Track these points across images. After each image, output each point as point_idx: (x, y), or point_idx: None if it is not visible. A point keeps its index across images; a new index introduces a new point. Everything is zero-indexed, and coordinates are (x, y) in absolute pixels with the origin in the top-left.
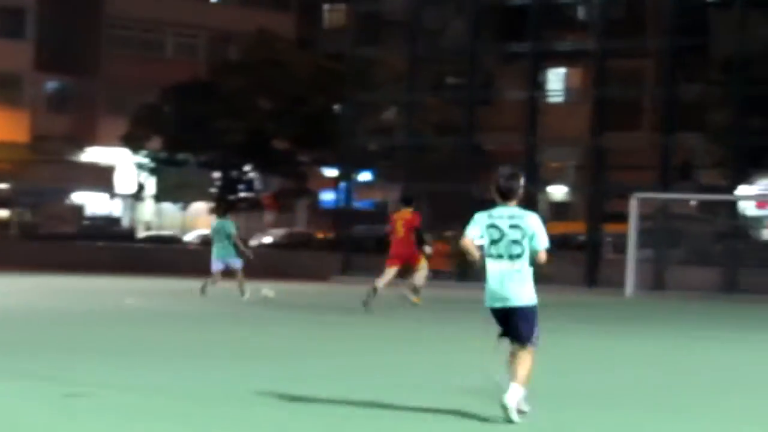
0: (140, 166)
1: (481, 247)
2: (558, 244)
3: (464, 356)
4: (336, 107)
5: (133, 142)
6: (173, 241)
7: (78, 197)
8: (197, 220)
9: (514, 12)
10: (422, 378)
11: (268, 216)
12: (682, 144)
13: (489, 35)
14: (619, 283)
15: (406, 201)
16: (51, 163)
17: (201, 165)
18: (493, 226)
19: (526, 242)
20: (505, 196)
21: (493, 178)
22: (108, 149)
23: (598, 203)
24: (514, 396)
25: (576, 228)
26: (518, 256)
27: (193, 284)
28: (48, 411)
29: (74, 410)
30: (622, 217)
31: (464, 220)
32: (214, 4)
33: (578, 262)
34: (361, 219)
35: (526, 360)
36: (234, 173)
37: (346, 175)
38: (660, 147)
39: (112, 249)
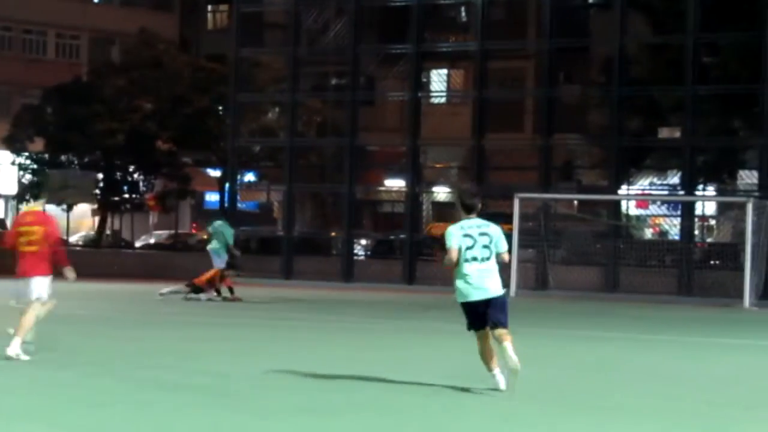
0: (22, 168)
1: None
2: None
3: None
4: (219, 108)
5: (14, 143)
6: None
7: None
8: (81, 222)
9: (396, 13)
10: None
11: (153, 217)
12: (562, 144)
13: (371, 36)
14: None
15: None
16: None
17: (84, 166)
18: (467, 235)
19: (492, 246)
20: (470, 211)
21: (458, 196)
22: None
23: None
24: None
25: None
26: (488, 258)
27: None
28: None
29: None
30: (504, 218)
31: (347, 221)
32: (96, 4)
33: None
34: (245, 220)
35: (507, 336)
36: (117, 175)
37: (230, 176)
38: (541, 148)
39: None
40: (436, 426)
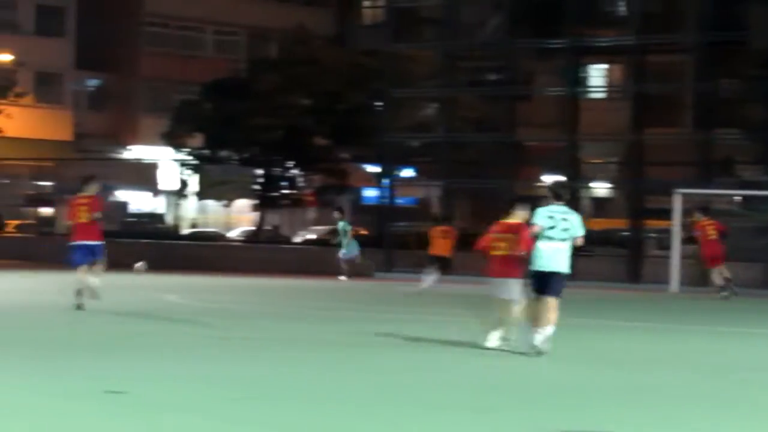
0: (182, 164)
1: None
2: (600, 240)
3: None
4: (375, 104)
5: (173, 139)
6: (216, 238)
7: (121, 195)
8: (240, 217)
9: (553, 7)
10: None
11: (310, 213)
12: (721, 139)
13: (527, 30)
14: (662, 280)
15: None
16: (93, 161)
17: (242, 162)
18: (551, 217)
19: (571, 231)
20: (558, 198)
21: (551, 186)
22: (149, 147)
23: (639, 199)
24: (546, 335)
25: (617, 224)
26: (564, 239)
27: (236, 281)
28: (90, 408)
29: (113, 406)
30: (663, 214)
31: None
32: (253, 1)
33: (620, 258)
34: (403, 216)
35: (555, 307)
36: (275, 170)
37: (387, 172)
38: (700, 142)
39: (156, 246)
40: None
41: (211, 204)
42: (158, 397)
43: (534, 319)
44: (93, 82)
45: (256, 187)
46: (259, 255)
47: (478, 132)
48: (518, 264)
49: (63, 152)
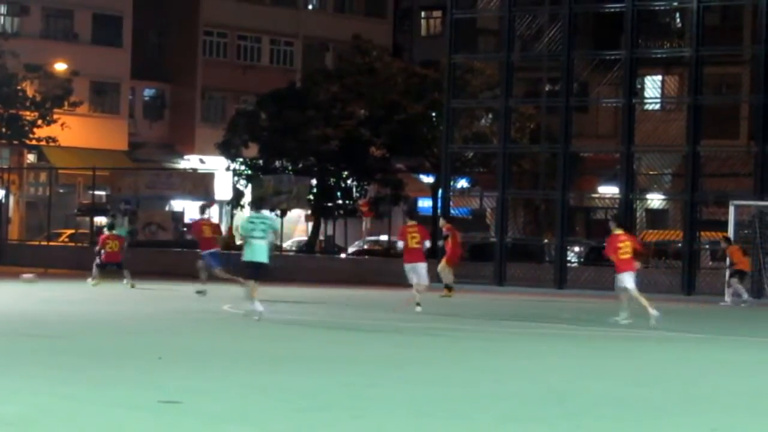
0: (237, 174)
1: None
2: (655, 252)
3: None
4: (432, 115)
5: (229, 149)
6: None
7: (176, 204)
8: (295, 227)
9: (610, 18)
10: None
11: (365, 223)
12: None
13: (584, 42)
14: (717, 292)
15: None
16: (148, 170)
17: (298, 172)
18: None
19: None
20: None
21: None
22: (205, 156)
23: (694, 211)
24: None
25: (673, 236)
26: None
27: (291, 291)
28: (143, 418)
29: (168, 416)
30: (718, 225)
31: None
32: (309, 11)
33: (675, 270)
34: (457, 226)
35: None
36: (331, 180)
37: (443, 182)
38: (756, 154)
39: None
40: None
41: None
42: (213, 408)
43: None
44: (149, 92)
45: (311, 197)
46: (313, 264)
47: (535, 143)
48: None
49: (118, 162)
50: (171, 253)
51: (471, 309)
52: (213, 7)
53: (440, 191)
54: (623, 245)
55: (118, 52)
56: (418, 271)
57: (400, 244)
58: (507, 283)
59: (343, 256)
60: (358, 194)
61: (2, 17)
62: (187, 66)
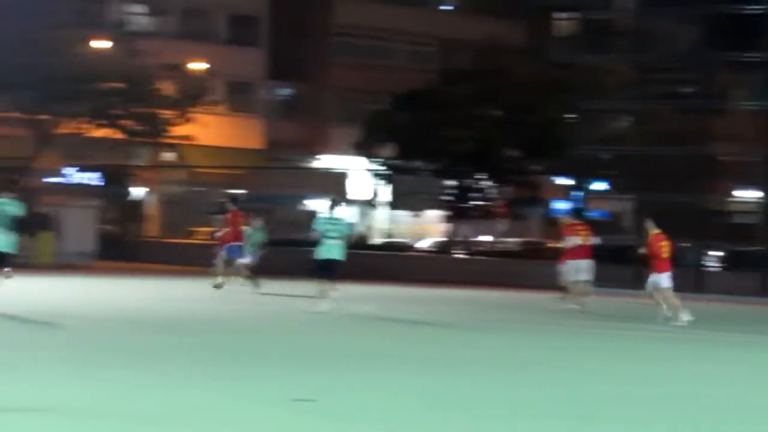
0: (374, 174)
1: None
2: None
3: None
4: (567, 116)
5: (365, 149)
6: (407, 248)
7: (311, 204)
8: (431, 227)
9: (749, 20)
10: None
11: (501, 225)
12: None
13: (721, 43)
14: None
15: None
16: (284, 170)
17: (434, 173)
18: None
19: None
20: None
21: None
22: (340, 156)
23: None
24: None
25: None
26: None
27: (422, 292)
28: (278, 415)
29: (302, 414)
30: None
31: (697, 231)
32: (444, 12)
33: None
34: (594, 229)
35: None
36: (466, 181)
37: (579, 184)
38: None
39: (346, 256)
40: None
41: (401, 214)
42: (345, 406)
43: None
44: (284, 92)
45: (448, 197)
46: (449, 266)
47: (671, 145)
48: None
49: (254, 161)
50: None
51: (615, 311)
52: (347, 8)
53: (575, 194)
54: (664, 245)
55: (253, 52)
56: (584, 269)
57: (569, 242)
58: (644, 287)
59: (477, 257)
60: (494, 195)
61: (140, 17)
62: (322, 66)
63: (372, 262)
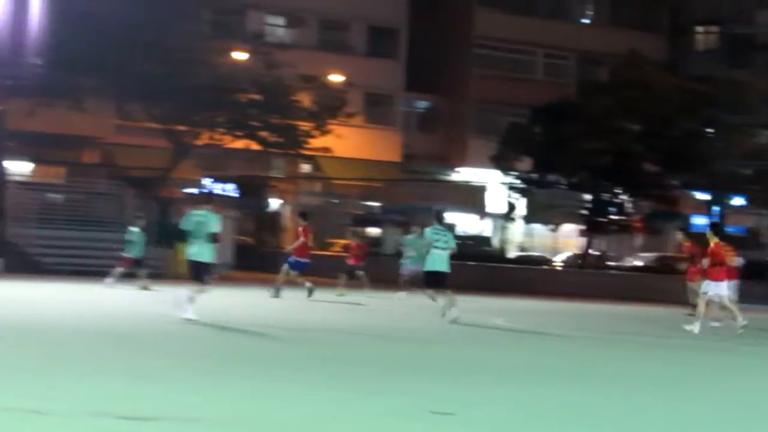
0: (510, 187)
1: None
2: None
3: None
4: (707, 131)
5: (501, 162)
6: (543, 262)
7: (448, 216)
8: (567, 241)
9: None
10: None
11: (638, 239)
12: None
13: None
14: None
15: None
16: (421, 182)
17: (570, 186)
18: None
19: None
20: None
21: None
22: (477, 169)
23: None
24: None
25: None
26: None
27: (561, 306)
28: (416, 428)
29: (441, 427)
30: None
31: None
32: (584, 25)
33: None
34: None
35: None
36: (604, 195)
37: (718, 199)
38: None
39: (482, 268)
40: None
41: (537, 228)
42: (485, 420)
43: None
44: (422, 104)
45: (584, 211)
46: (585, 280)
47: None
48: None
49: (391, 173)
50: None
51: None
52: (486, 20)
53: (714, 208)
54: (728, 253)
55: (392, 64)
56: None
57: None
58: None
59: (612, 272)
60: (631, 210)
61: (279, 29)
62: (460, 78)
63: (507, 275)
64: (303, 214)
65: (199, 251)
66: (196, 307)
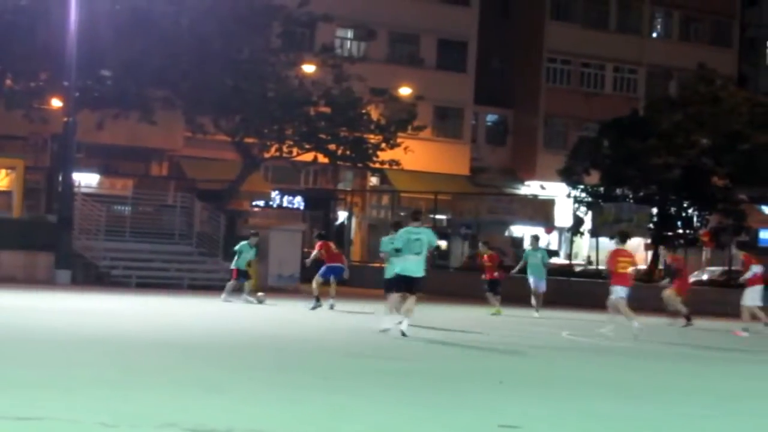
0: (578, 200)
1: None
2: None
3: None
4: None
5: (570, 176)
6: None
7: (517, 230)
8: (634, 255)
9: None
10: None
11: (706, 253)
12: None
13: None
14: None
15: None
16: (489, 196)
17: (638, 200)
18: None
19: None
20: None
21: None
22: (546, 183)
23: None
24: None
25: None
26: None
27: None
28: None
29: None
30: None
31: None
32: (654, 39)
33: None
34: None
35: None
36: (672, 209)
37: None
38: None
39: (550, 282)
40: None
41: (605, 241)
42: None
43: None
44: (492, 117)
45: (652, 225)
46: (651, 294)
47: None
48: None
49: (460, 186)
50: (510, 279)
51: None
52: (557, 34)
53: None
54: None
55: (462, 78)
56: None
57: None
58: None
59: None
60: (699, 224)
61: (350, 41)
62: (529, 92)
63: (574, 288)
64: (320, 235)
65: (415, 267)
66: (413, 319)
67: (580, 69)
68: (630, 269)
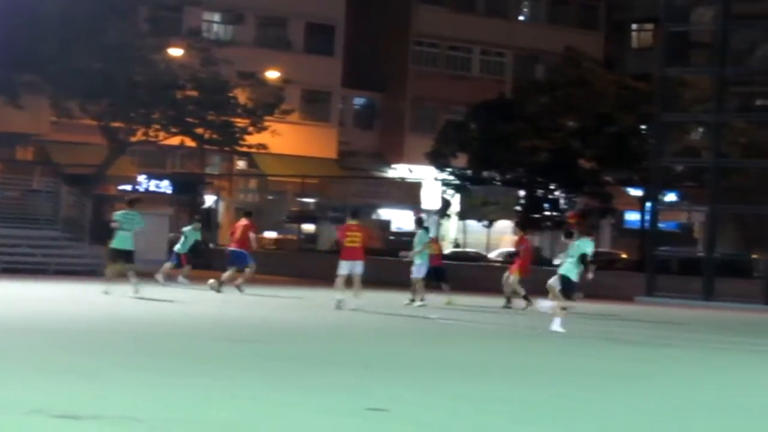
0: (445, 183)
1: None
2: None
3: None
4: (642, 127)
5: (438, 159)
6: (478, 258)
7: (384, 213)
8: (501, 238)
9: None
10: None
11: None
12: None
13: None
14: None
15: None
16: (357, 179)
17: (506, 183)
18: None
19: None
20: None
21: None
22: (414, 166)
23: None
24: None
25: None
26: None
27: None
28: (351, 425)
29: (376, 424)
30: None
31: None
32: (521, 23)
33: None
34: (665, 240)
35: None
36: (539, 192)
37: (652, 196)
38: None
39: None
40: None
41: (472, 224)
42: (420, 417)
43: None
44: (360, 101)
45: (519, 208)
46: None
47: (748, 158)
48: None
49: (328, 169)
50: (379, 262)
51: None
52: (425, 18)
53: (648, 205)
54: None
55: (330, 61)
56: None
57: None
58: (714, 299)
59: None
60: (566, 206)
61: (217, 25)
62: (397, 75)
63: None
64: (248, 213)
65: (569, 269)
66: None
67: (447, 52)
68: (357, 244)
